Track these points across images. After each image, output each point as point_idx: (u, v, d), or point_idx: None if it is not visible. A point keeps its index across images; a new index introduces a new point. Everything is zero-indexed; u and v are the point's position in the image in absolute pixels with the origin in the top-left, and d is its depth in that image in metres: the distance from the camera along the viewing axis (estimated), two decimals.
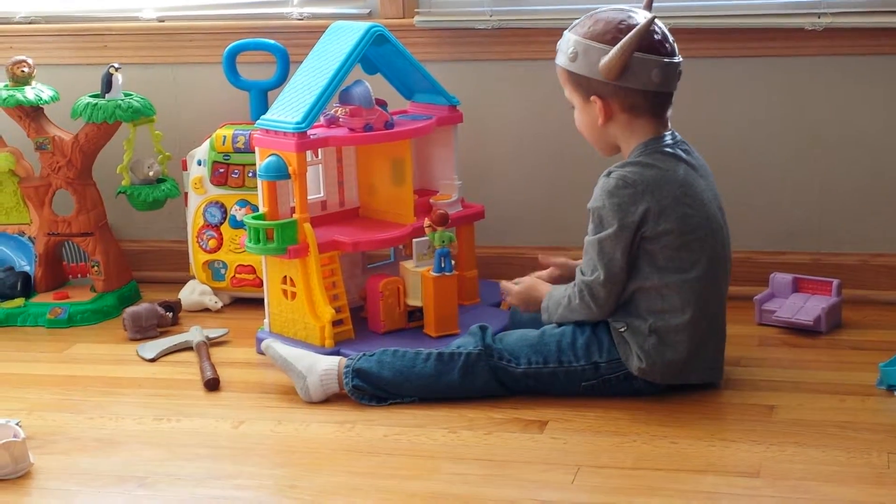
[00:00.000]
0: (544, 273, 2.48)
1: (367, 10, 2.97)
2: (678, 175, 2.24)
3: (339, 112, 2.58)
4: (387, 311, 2.56)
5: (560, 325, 2.33)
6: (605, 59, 2.21)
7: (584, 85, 2.27)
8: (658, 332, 2.24)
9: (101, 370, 2.58)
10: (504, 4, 2.87)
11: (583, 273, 2.28)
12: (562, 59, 2.29)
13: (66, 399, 2.42)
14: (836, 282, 2.68)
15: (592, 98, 2.27)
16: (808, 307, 2.64)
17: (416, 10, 2.93)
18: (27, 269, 3.00)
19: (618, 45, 2.20)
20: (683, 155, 2.28)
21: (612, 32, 2.22)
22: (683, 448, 2.09)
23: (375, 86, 2.63)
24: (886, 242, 2.81)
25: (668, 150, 2.27)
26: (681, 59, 2.27)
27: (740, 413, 2.23)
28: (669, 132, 2.30)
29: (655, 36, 2.23)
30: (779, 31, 2.73)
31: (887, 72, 2.74)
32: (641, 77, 2.22)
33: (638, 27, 2.19)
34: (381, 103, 2.62)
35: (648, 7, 2.31)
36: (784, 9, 2.72)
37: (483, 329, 2.34)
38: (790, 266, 2.80)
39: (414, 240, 2.54)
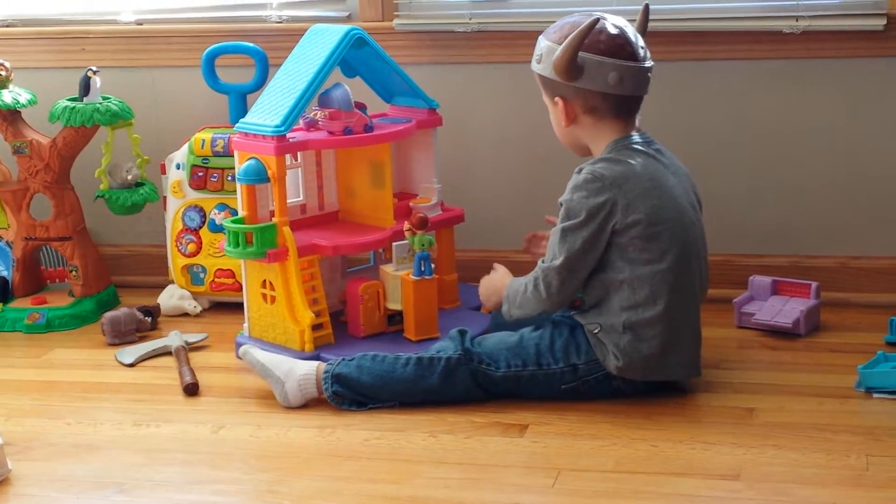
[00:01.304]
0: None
1: (347, 14, 2.97)
2: (646, 169, 2.27)
3: (318, 115, 2.57)
4: (367, 315, 2.55)
5: (519, 320, 2.35)
6: (553, 58, 2.26)
7: (549, 86, 2.32)
8: (632, 328, 2.25)
9: (80, 375, 2.57)
10: (483, 7, 2.88)
11: (543, 260, 2.31)
12: (533, 63, 2.34)
13: (45, 405, 2.41)
14: (814, 284, 2.69)
15: (556, 99, 2.31)
16: (786, 310, 2.65)
17: (395, 13, 2.93)
18: (5, 273, 2.99)
19: (562, 44, 2.24)
20: (652, 152, 2.31)
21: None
22: (663, 451, 2.09)
23: (355, 89, 2.62)
24: (865, 245, 2.82)
25: (636, 146, 2.30)
26: (649, 65, 2.29)
27: (720, 416, 2.23)
28: (639, 132, 2.33)
29: (616, 40, 2.26)
30: (758, 33, 2.75)
31: (865, 74, 2.75)
32: (597, 79, 2.25)
33: (580, 27, 2.23)
34: (361, 106, 2.61)
35: (641, 28, 2.34)
36: (763, 12, 2.73)
37: (462, 333, 2.35)
38: (769, 269, 2.81)
39: (394, 243, 2.54)
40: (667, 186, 2.27)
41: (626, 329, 2.25)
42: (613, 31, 2.26)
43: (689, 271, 2.28)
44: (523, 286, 2.33)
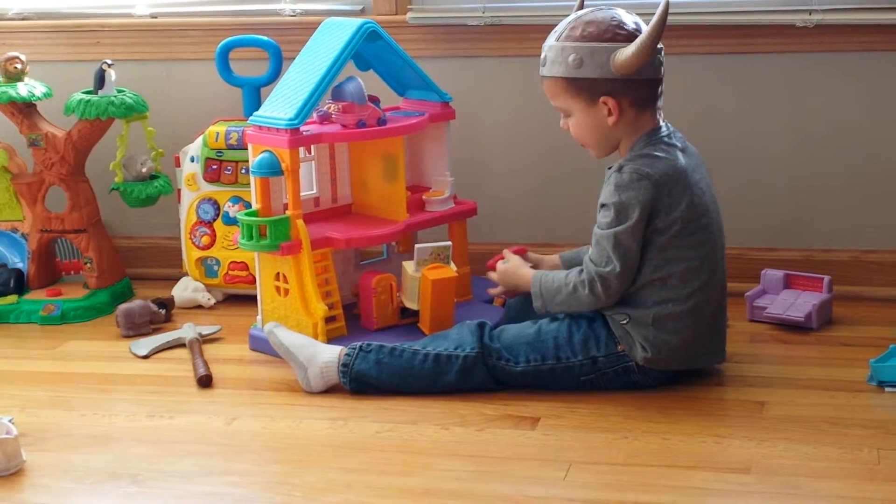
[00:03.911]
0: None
1: (360, 7, 2.98)
2: (682, 164, 2.26)
3: (331, 108, 2.58)
4: (379, 307, 2.56)
5: (554, 314, 2.33)
6: (626, 55, 2.20)
7: (589, 88, 2.25)
8: (661, 320, 2.25)
9: (94, 367, 2.58)
10: (497, 1, 2.88)
11: (594, 263, 2.26)
12: (560, 69, 2.26)
13: (59, 396, 2.43)
14: (826, 278, 2.68)
15: (602, 99, 2.25)
16: (799, 303, 2.65)
17: (408, 6, 2.93)
18: (20, 265, 3.00)
19: (643, 38, 2.19)
20: (680, 144, 2.30)
21: (612, 30, 2.23)
22: (675, 444, 2.09)
23: (368, 82, 2.63)
24: (877, 239, 2.82)
25: (667, 139, 2.29)
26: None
27: (731, 409, 2.24)
28: (664, 123, 2.32)
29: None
30: (770, 27, 2.74)
31: (878, 68, 2.74)
32: (648, 67, 2.23)
33: (658, 18, 2.19)
34: (374, 100, 2.62)
35: (581, 6, 2.33)
36: (776, 5, 2.73)
37: (481, 326, 2.34)
38: (781, 262, 2.81)
39: (416, 245, 2.52)
40: (697, 179, 2.27)
41: (655, 322, 2.25)
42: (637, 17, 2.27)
43: (715, 263, 2.29)
44: (570, 286, 2.28)
